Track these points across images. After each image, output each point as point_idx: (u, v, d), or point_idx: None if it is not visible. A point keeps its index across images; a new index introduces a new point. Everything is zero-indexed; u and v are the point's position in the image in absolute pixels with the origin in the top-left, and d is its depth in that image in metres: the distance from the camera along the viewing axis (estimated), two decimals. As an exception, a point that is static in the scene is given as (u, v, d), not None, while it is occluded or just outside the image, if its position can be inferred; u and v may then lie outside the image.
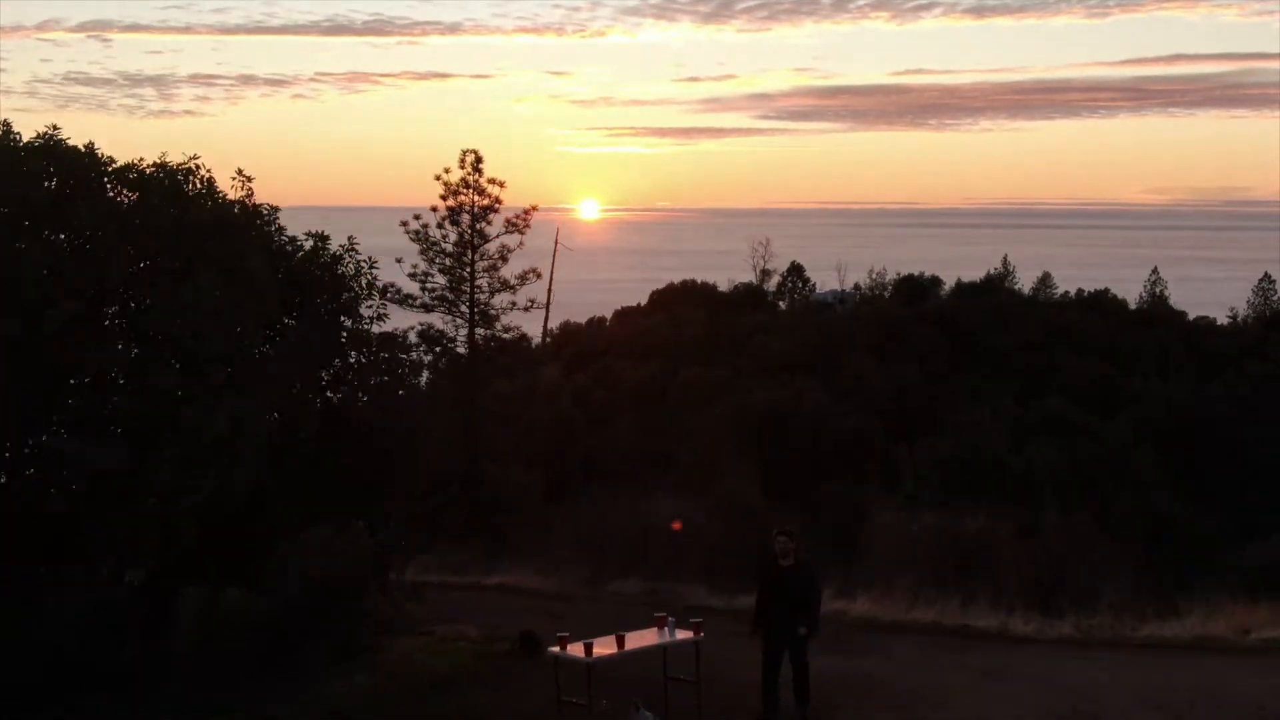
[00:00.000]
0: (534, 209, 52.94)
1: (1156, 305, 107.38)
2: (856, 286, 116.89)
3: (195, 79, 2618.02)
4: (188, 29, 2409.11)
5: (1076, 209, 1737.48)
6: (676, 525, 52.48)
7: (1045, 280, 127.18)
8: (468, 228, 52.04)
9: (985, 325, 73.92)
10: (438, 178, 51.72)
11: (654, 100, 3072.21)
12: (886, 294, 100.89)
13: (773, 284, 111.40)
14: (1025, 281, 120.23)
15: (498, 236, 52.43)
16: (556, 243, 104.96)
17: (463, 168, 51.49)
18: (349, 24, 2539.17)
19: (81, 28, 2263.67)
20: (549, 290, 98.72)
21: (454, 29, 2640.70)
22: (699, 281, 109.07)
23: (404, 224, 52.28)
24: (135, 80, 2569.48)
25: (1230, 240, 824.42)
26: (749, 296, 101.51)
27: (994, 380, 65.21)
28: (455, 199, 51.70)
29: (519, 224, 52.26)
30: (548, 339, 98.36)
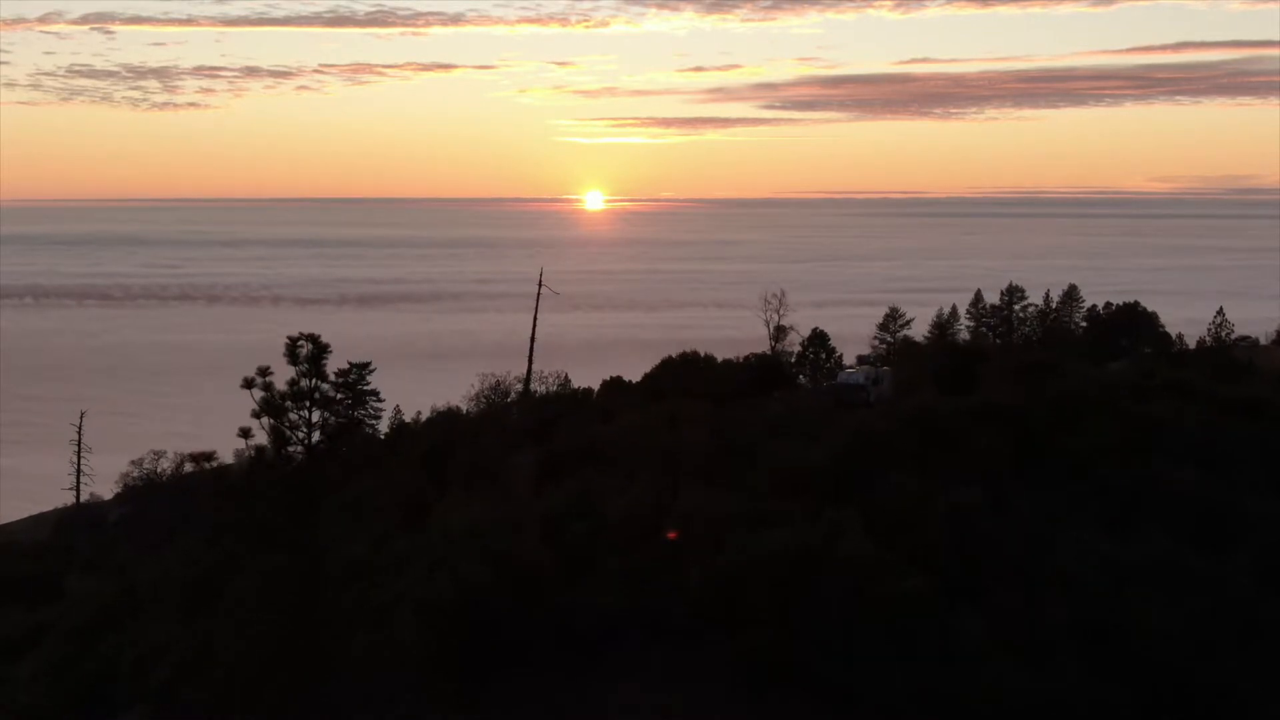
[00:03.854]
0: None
1: (1232, 364, 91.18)
2: (889, 342, 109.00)
3: (199, 71, 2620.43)
4: (190, 20, 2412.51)
5: (1082, 197, 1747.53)
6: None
7: (1072, 293, 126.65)
8: (298, 470, 30.38)
9: (1054, 418, 59.87)
10: (249, 383, 31.78)
11: (658, 90, 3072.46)
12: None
13: (789, 343, 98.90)
14: (1040, 274, 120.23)
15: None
16: (540, 284, 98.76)
17: (295, 361, 31.71)
18: (351, 15, 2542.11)
19: (84, 20, 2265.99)
20: (532, 339, 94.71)
21: (456, 19, 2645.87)
22: (703, 355, 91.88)
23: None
24: (139, 72, 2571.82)
25: (1236, 227, 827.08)
26: (763, 374, 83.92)
27: (1074, 497, 53.22)
28: (280, 417, 31.03)
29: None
30: (532, 391, 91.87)
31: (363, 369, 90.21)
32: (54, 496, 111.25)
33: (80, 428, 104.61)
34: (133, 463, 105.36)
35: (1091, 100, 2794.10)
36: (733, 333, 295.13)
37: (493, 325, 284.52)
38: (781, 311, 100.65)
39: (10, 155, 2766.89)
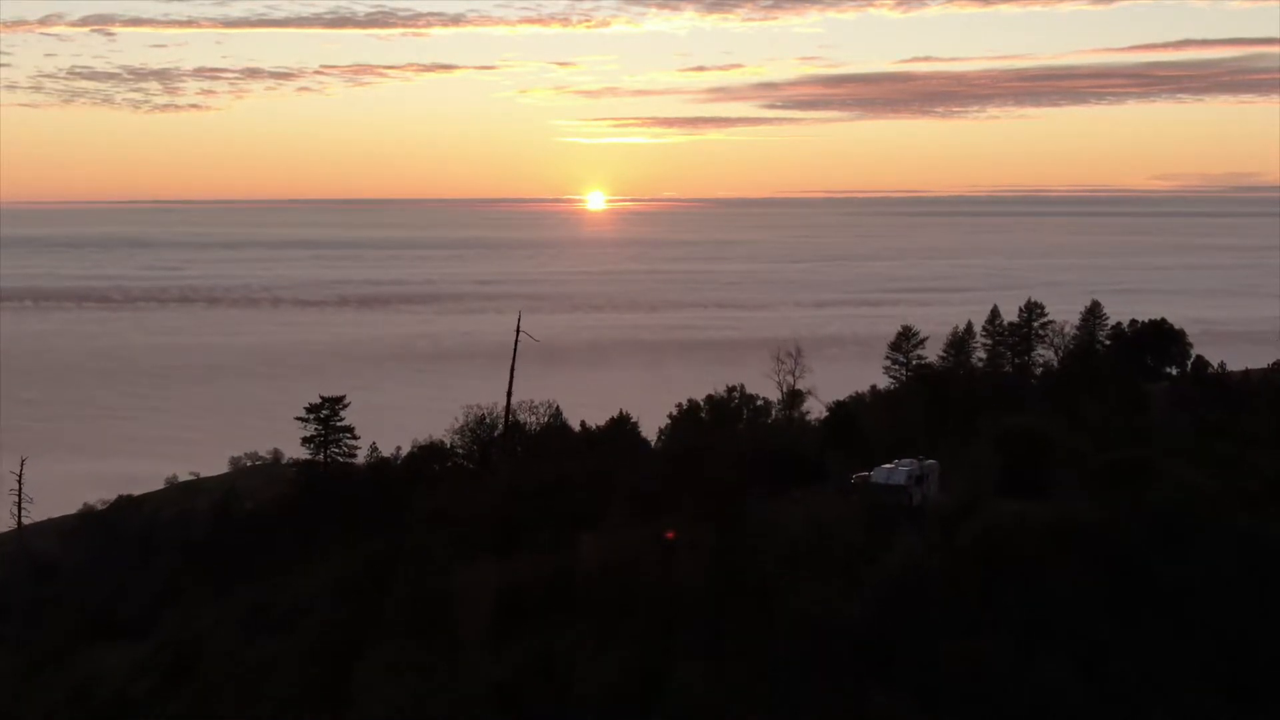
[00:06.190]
0: None
1: None
2: (901, 362, 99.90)
3: (200, 72, 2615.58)
4: (191, 22, 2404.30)
5: (1084, 196, 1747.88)
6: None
7: (1094, 310, 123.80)
8: None
9: (1154, 539, 47.31)
10: None
11: (660, 90, 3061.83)
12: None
13: (807, 407, 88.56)
14: (1068, 292, 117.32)
15: None
16: (519, 330, 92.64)
17: None
18: (352, 16, 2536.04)
19: (84, 22, 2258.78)
20: (509, 386, 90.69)
21: (457, 20, 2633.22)
22: (705, 418, 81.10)
23: None
24: (140, 74, 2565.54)
25: (1238, 225, 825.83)
26: (778, 463, 67.47)
27: (1184, 651, 40.87)
28: None
29: None
30: (513, 444, 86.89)
31: (336, 403, 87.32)
32: (53, 504, 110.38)
33: (20, 475, 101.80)
34: (87, 503, 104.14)
35: (1093, 98, 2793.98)
36: (732, 333, 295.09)
37: (493, 326, 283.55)
38: (797, 373, 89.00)
39: (11, 157, 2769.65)
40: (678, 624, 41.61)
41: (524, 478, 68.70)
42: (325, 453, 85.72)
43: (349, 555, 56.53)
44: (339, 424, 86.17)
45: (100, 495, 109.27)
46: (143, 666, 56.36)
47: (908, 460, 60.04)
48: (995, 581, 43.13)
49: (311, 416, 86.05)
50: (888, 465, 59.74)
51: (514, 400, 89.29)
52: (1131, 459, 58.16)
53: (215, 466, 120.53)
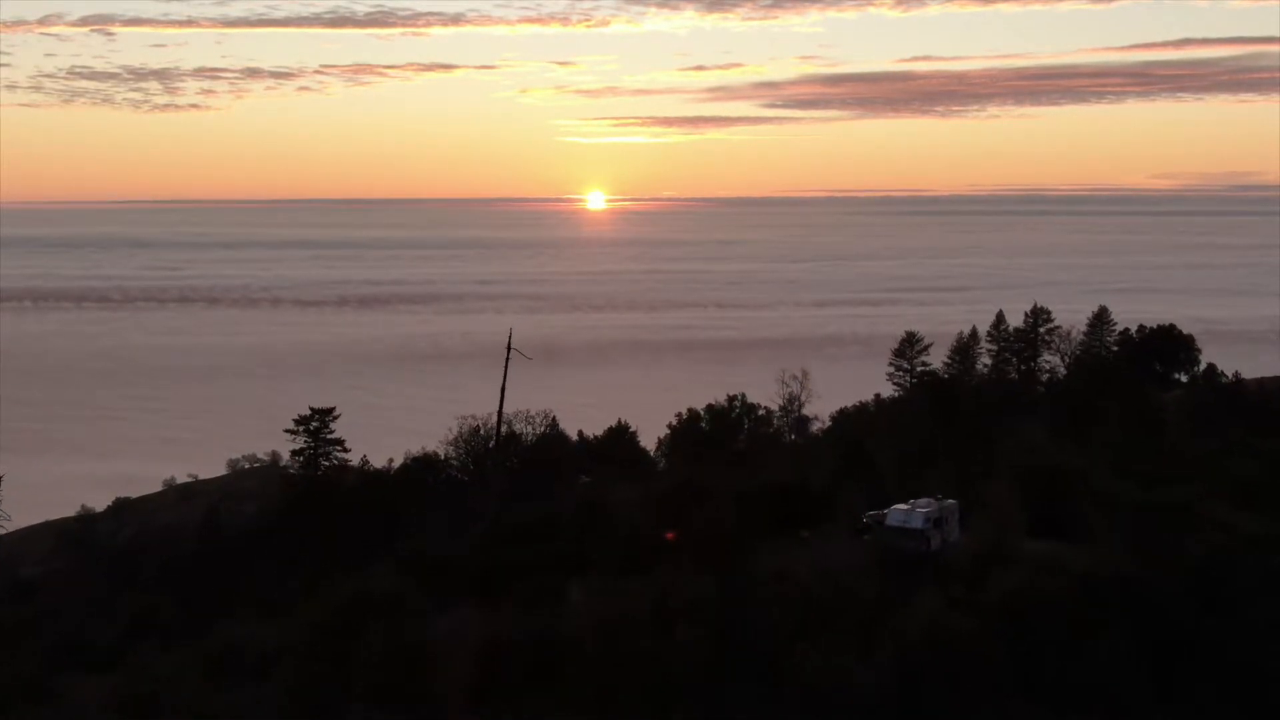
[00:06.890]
0: None
1: None
2: (905, 369, 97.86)
3: (200, 72, 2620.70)
4: (190, 22, 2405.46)
5: (1084, 195, 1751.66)
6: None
7: (1102, 315, 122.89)
8: None
9: (1198, 594, 43.21)
10: None
11: (660, 89, 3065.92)
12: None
13: (814, 430, 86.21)
14: (1075, 301, 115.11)
15: None
16: (509, 347, 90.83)
17: None
18: (352, 16, 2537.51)
19: (84, 22, 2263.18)
20: (500, 405, 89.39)
21: (457, 19, 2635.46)
22: (702, 443, 77.08)
23: None
24: (139, 74, 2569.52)
25: (1238, 224, 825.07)
26: (785, 499, 60.43)
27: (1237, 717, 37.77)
28: None
29: None
30: (504, 463, 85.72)
31: (326, 415, 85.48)
32: (51, 506, 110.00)
33: None
34: (85, 505, 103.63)
35: (1093, 97, 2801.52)
36: (732, 333, 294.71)
37: (493, 326, 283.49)
38: (804, 398, 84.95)
39: (11, 157, 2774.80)
40: (676, 691, 37.55)
41: (508, 515, 64.34)
42: (315, 464, 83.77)
43: (324, 598, 52.82)
44: (329, 436, 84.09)
45: (98, 497, 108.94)
46: (107, 705, 54.73)
47: (925, 500, 54.86)
48: (1027, 642, 38.98)
49: (301, 429, 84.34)
50: (903, 506, 54.27)
51: (510, 408, 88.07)
52: (1169, 503, 51.63)
53: (214, 468, 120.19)
